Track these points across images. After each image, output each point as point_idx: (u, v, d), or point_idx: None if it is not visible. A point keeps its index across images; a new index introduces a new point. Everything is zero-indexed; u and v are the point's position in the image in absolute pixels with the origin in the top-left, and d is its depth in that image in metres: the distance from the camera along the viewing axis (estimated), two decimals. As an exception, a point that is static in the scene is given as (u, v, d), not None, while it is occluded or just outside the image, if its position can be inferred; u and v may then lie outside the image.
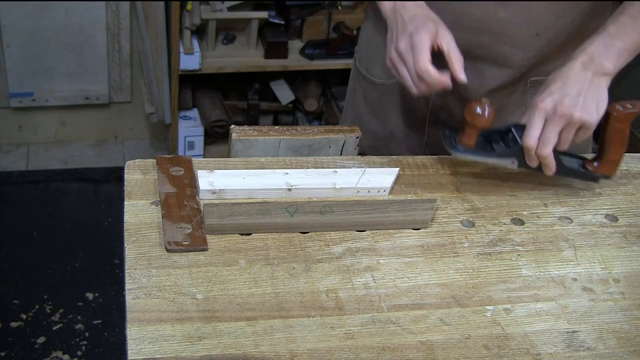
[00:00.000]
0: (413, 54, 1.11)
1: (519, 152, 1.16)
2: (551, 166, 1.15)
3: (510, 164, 1.18)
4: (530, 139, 1.11)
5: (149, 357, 0.89)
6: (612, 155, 1.19)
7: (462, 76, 1.11)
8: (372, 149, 1.43)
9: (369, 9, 1.41)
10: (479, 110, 1.12)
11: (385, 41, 1.20)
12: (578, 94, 1.09)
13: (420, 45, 1.10)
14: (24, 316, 2.27)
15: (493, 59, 1.25)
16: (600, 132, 1.19)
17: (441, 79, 1.10)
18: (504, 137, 1.19)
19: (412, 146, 1.40)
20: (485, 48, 1.24)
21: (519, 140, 1.15)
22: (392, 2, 1.18)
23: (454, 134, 1.18)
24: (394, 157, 1.29)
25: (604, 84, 1.12)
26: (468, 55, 1.23)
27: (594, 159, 1.22)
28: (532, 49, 1.23)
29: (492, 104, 1.13)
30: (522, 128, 1.15)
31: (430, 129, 1.35)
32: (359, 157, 1.28)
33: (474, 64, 1.25)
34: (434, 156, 1.30)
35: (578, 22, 1.22)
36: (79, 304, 2.33)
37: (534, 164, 1.15)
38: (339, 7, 2.71)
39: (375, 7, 1.29)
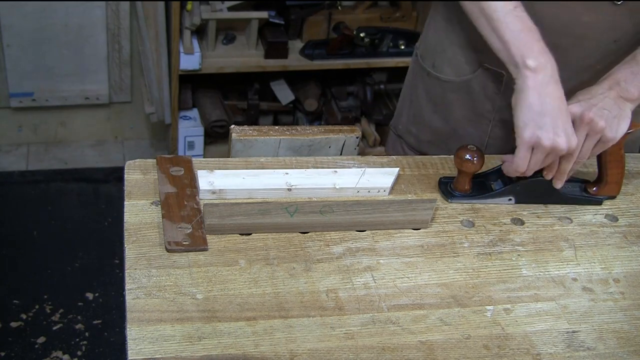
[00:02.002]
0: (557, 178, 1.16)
1: (515, 190, 1.20)
2: (561, 177, 1.19)
3: (507, 201, 1.21)
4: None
5: (149, 357, 0.89)
6: (611, 177, 1.23)
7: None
8: (431, 144, 1.44)
9: (437, 6, 1.40)
10: (468, 157, 1.15)
11: (456, 39, 1.29)
12: (603, 107, 1.12)
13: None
14: (24, 316, 2.27)
15: (568, 63, 1.24)
16: (597, 157, 1.21)
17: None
18: (501, 175, 1.22)
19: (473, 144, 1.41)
20: (563, 51, 1.23)
21: (514, 178, 1.19)
22: (541, 62, 1.12)
23: (450, 181, 1.21)
24: (394, 157, 1.29)
25: (627, 107, 1.15)
26: None
27: (594, 183, 1.24)
28: (607, 55, 1.24)
29: (479, 149, 1.16)
30: None
31: (494, 128, 1.36)
32: (359, 157, 1.28)
33: None
34: (434, 156, 1.30)
35: None
36: (79, 304, 2.33)
37: (551, 174, 1.18)
38: (339, 7, 2.71)
39: (446, 5, 1.29)
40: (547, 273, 1.10)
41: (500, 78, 1.28)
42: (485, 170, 1.22)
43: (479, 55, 1.28)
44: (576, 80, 1.26)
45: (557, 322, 1.02)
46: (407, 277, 1.06)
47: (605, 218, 1.22)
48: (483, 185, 1.22)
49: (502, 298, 1.05)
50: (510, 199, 1.21)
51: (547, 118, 1.10)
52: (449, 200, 1.20)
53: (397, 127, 1.52)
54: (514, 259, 1.12)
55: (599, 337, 1.01)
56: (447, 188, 1.21)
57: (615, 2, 1.16)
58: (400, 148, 1.51)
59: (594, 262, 1.13)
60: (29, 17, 2.61)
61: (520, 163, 1.14)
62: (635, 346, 1.01)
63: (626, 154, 1.23)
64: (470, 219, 1.17)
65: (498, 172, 1.23)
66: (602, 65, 1.25)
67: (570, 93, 1.25)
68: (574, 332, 1.01)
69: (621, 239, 1.18)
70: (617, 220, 1.22)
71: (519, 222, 1.19)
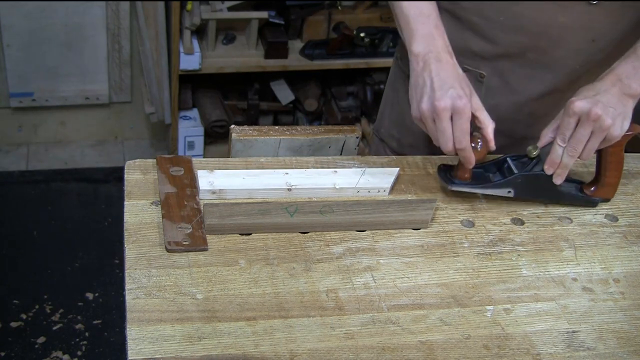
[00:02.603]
0: (456, 129, 1.10)
1: (515, 182, 1.19)
2: (562, 173, 1.16)
3: (506, 193, 1.21)
4: (562, 138, 1.14)
5: (149, 357, 0.89)
6: (609, 179, 1.22)
7: (493, 145, 1.14)
8: (412, 148, 1.43)
9: None
10: (472, 145, 1.14)
11: None
12: (609, 105, 1.11)
13: (465, 123, 1.10)
14: (24, 316, 2.27)
15: (547, 64, 1.25)
16: (596, 157, 1.21)
17: (471, 158, 1.13)
18: (500, 168, 1.22)
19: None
20: (541, 52, 1.24)
21: (515, 170, 1.18)
22: (424, 47, 1.14)
23: (450, 169, 1.20)
24: (394, 157, 1.29)
25: (630, 104, 1.14)
26: (522, 58, 1.24)
27: (591, 183, 1.24)
28: (586, 55, 1.24)
29: (483, 137, 1.15)
30: (517, 158, 1.19)
31: (475, 130, 1.35)
32: (359, 157, 1.28)
33: (527, 69, 1.26)
34: (434, 156, 1.30)
35: (632, 30, 1.22)
36: (79, 304, 2.33)
37: (552, 169, 1.16)
38: (339, 7, 2.71)
39: None
40: (547, 273, 1.10)
41: (480, 79, 1.28)
42: (485, 161, 1.21)
43: (458, 58, 1.27)
44: (559, 81, 1.27)
45: (557, 322, 1.02)
46: (407, 277, 1.06)
47: (605, 218, 1.22)
48: (482, 176, 1.21)
49: (502, 298, 1.05)
50: (509, 191, 1.20)
51: (436, 91, 1.10)
52: (449, 185, 1.18)
53: (380, 130, 1.51)
54: (514, 259, 1.12)
55: (599, 337, 1.01)
56: (447, 175, 1.20)
57: (591, 1, 1.17)
58: (383, 152, 1.50)
59: (594, 262, 1.13)
60: (29, 17, 2.61)
61: (440, 136, 1.11)
62: (635, 346, 1.01)
63: (626, 154, 1.23)
64: (470, 219, 1.17)
65: (497, 164, 1.22)
66: (584, 66, 1.25)
67: (555, 94, 1.26)
68: (574, 332, 1.01)
69: (621, 239, 1.19)
70: (617, 220, 1.22)
71: (519, 222, 1.19)
